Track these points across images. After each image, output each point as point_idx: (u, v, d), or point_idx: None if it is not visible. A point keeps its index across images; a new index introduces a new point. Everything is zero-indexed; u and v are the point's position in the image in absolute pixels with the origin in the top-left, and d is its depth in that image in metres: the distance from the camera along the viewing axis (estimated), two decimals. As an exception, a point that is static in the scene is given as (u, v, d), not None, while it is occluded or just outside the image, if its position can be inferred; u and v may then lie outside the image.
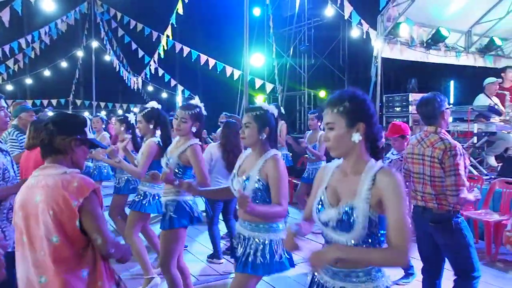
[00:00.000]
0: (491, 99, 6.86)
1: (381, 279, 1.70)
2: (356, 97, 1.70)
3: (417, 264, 3.61)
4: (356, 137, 1.67)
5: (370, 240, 1.66)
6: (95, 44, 17.80)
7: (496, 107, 6.60)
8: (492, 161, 6.80)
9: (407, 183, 3.33)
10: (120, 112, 20.78)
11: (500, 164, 6.45)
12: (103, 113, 12.30)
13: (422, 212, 3.18)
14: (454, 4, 7.82)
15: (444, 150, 3.00)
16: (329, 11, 9.63)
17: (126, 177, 4.89)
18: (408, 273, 4.23)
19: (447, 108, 3.17)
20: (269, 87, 12.22)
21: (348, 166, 1.73)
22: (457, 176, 2.97)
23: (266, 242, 2.51)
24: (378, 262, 1.64)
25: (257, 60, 12.05)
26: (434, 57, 8.42)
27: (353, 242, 1.65)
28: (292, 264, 2.60)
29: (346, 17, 8.37)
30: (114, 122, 6.70)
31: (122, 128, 4.89)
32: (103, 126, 6.77)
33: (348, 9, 8.20)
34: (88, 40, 18.54)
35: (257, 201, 2.50)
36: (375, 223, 1.65)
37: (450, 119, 7.18)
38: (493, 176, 6.05)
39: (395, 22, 7.50)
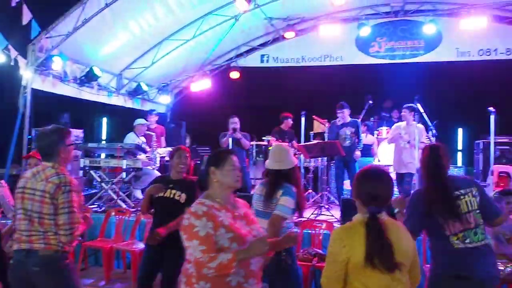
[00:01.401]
0: (139, 138, 7.70)
1: None
2: None
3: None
4: None
5: None
6: None
7: (143, 145, 7.37)
8: (138, 194, 7.45)
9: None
10: None
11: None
12: None
13: (25, 256, 2.83)
14: (107, 47, 8.28)
15: (58, 185, 2.82)
16: (-31, 28, 8.38)
17: None
18: None
19: (70, 145, 3.06)
20: None
21: None
22: (70, 213, 2.81)
23: None
24: None
25: None
26: (88, 94, 8.59)
27: None
28: None
29: (-9, 39, 7.47)
30: None
31: None
32: None
33: (-7, 30, 7.36)
34: None
35: None
36: None
37: (103, 155, 7.52)
38: (139, 209, 6.59)
39: (48, 54, 7.26)
